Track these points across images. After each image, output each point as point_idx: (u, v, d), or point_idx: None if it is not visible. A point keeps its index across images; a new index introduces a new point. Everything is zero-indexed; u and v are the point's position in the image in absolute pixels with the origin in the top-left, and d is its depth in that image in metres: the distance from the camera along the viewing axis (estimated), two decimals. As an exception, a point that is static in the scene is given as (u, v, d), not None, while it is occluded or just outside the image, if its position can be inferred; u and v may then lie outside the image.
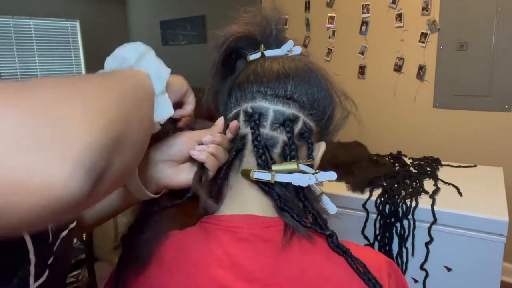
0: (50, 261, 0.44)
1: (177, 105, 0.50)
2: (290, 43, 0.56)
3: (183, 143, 0.51)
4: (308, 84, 0.52)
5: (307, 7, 2.70)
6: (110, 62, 0.44)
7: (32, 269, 0.40)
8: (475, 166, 1.57)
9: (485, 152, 2.14)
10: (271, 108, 0.51)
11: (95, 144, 0.27)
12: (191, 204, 0.55)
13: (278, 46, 0.57)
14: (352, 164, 1.44)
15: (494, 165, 1.59)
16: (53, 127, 0.25)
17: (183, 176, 0.51)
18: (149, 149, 0.53)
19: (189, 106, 0.51)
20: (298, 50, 0.57)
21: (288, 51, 0.56)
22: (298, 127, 0.51)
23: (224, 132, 0.53)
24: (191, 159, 0.51)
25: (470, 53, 2.13)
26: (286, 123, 0.50)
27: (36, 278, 0.40)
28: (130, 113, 0.34)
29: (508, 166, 1.73)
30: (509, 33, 2.01)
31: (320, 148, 0.56)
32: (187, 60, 5.45)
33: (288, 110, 0.51)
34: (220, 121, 0.53)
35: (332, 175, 0.52)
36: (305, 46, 2.75)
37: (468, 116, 2.20)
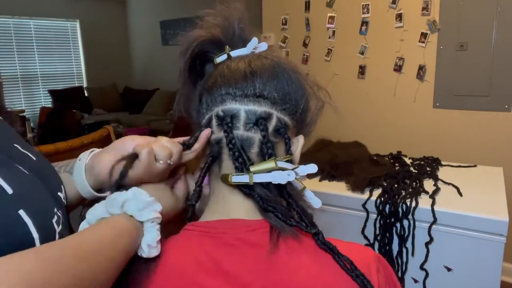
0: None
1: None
2: (254, 40, 0.55)
3: (135, 142, 0.53)
4: (277, 79, 0.51)
5: (307, 7, 2.70)
6: (110, 209, 0.47)
7: None
8: (475, 166, 1.57)
9: (485, 152, 2.14)
10: (242, 108, 0.50)
11: None
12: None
13: (244, 45, 0.56)
14: (352, 164, 1.44)
15: (494, 165, 1.59)
16: None
17: (119, 166, 0.51)
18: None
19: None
20: (264, 46, 0.57)
21: (254, 48, 0.55)
22: (272, 124, 0.51)
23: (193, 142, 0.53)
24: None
25: (470, 53, 2.13)
26: (259, 121, 0.50)
27: None
28: None
29: (508, 166, 1.73)
30: (509, 33, 2.01)
31: (299, 142, 0.55)
32: (187, 60, 5.43)
33: (260, 108, 0.50)
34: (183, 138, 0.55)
35: (313, 167, 0.51)
36: (305, 46, 2.75)
37: (468, 116, 2.20)
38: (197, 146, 0.53)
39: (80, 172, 0.55)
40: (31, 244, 0.41)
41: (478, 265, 1.11)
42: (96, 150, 0.58)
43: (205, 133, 0.52)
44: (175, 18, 5.66)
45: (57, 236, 0.45)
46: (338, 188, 1.35)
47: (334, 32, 2.61)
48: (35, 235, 0.41)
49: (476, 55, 2.11)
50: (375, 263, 0.49)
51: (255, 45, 0.56)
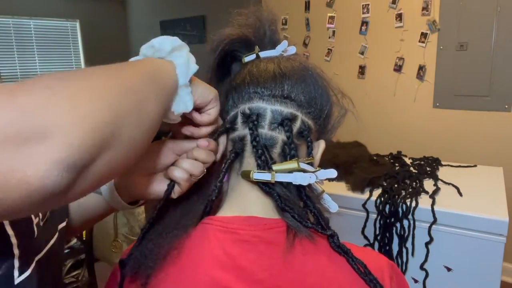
0: (38, 257, 0.45)
1: (197, 111, 0.50)
2: (284, 43, 0.56)
3: (162, 154, 0.51)
4: (305, 83, 0.52)
5: (307, 7, 2.70)
6: (144, 51, 0.46)
7: (16, 262, 0.41)
8: (475, 166, 1.57)
9: (485, 152, 2.14)
10: (269, 108, 0.50)
11: (76, 144, 0.29)
12: (191, 203, 0.55)
13: (273, 47, 0.56)
14: (352, 164, 1.44)
15: (494, 165, 1.59)
16: (39, 128, 0.28)
17: (156, 187, 0.52)
18: None
19: (206, 116, 0.50)
20: (292, 50, 0.57)
21: (282, 51, 0.56)
22: (296, 126, 0.51)
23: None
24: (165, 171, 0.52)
25: (470, 53, 2.13)
26: (285, 122, 0.50)
27: (21, 273, 0.41)
28: (128, 114, 0.35)
29: (508, 166, 1.73)
30: (509, 33, 2.01)
31: (320, 147, 0.55)
32: (187, 60, 5.43)
33: (286, 109, 0.51)
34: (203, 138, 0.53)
35: (333, 172, 0.52)
36: (305, 46, 2.75)
37: (468, 116, 2.20)
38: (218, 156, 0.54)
39: (112, 193, 0.57)
40: (7, 241, 0.41)
41: (478, 265, 1.11)
42: None
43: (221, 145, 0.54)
44: (175, 18, 5.66)
45: (34, 228, 0.45)
46: (338, 188, 1.35)
47: (334, 32, 2.61)
48: (10, 231, 0.41)
49: (476, 55, 2.11)
50: (388, 270, 0.50)
51: (284, 48, 0.56)
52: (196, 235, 0.51)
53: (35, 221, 0.46)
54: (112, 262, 1.86)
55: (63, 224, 0.55)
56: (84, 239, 1.69)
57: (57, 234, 0.52)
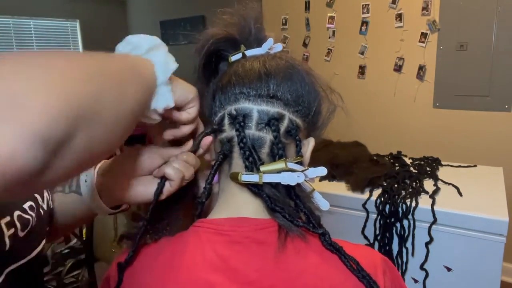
0: (9, 268, 0.45)
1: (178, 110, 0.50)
2: (270, 41, 0.55)
3: (149, 157, 0.51)
4: (291, 81, 0.51)
5: (307, 7, 2.70)
6: (120, 48, 0.44)
7: None
8: (475, 166, 1.57)
9: (485, 152, 2.14)
10: (255, 108, 0.50)
11: (50, 114, 0.25)
12: (184, 207, 0.55)
13: (259, 44, 0.56)
14: (352, 164, 1.44)
15: (494, 165, 1.59)
16: (7, 97, 0.24)
17: (141, 189, 0.51)
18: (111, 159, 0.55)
19: (186, 114, 0.50)
20: (279, 47, 0.56)
21: (269, 49, 0.56)
22: (284, 125, 0.51)
23: (197, 147, 0.53)
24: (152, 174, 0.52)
25: (470, 53, 2.13)
26: (272, 122, 0.50)
27: None
28: (107, 90, 0.33)
29: (508, 166, 1.73)
30: (509, 33, 2.01)
31: (309, 145, 0.55)
32: (187, 60, 5.44)
33: (272, 109, 0.50)
34: (190, 143, 0.54)
35: (322, 170, 0.51)
36: (305, 46, 2.75)
37: (468, 116, 2.20)
38: (201, 151, 0.54)
39: (93, 195, 0.55)
40: None
41: (478, 265, 1.11)
42: (100, 169, 0.57)
43: (206, 141, 0.53)
44: (175, 18, 5.66)
45: (6, 240, 0.44)
46: (338, 188, 1.35)
47: (334, 32, 2.61)
48: None
49: (476, 55, 2.11)
50: (381, 265, 0.50)
51: (270, 46, 0.56)
52: (188, 238, 0.50)
53: (8, 233, 0.45)
54: (112, 262, 1.86)
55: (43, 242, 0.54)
56: (84, 239, 1.69)
57: (40, 247, 0.51)
